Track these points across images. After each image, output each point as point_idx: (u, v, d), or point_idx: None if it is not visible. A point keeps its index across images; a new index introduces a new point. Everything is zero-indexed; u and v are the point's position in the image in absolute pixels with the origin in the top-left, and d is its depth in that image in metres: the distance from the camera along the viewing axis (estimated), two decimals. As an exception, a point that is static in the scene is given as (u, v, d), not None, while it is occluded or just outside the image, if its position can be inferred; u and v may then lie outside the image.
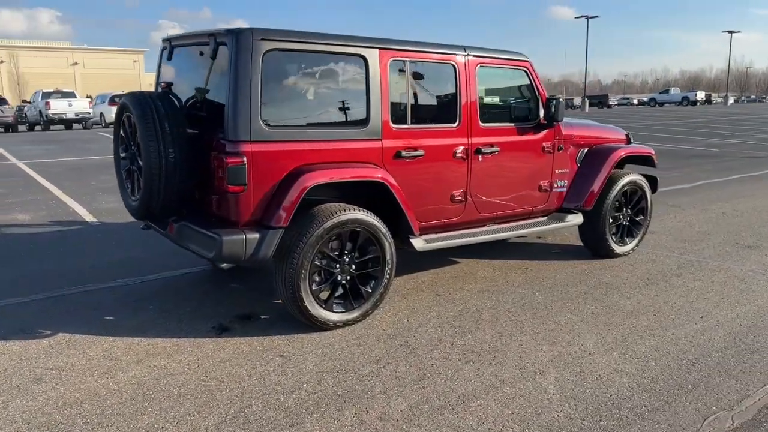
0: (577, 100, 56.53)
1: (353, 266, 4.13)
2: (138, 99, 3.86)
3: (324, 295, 4.10)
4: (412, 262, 5.52)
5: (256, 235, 3.74)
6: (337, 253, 4.07)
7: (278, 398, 3.23)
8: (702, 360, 3.72)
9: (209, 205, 3.93)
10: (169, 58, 4.56)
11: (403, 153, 4.32)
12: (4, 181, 10.85)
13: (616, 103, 68.03)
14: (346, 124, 4.17)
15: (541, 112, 5.16)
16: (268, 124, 3.77)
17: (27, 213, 7.95)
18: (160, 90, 4.24)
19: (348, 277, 4.13)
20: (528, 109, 5.16)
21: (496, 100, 5.46)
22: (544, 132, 5.23)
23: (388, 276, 4.25)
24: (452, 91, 4.63)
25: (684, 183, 10.49)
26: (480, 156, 4.76)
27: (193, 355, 3.72)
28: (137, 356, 3.69)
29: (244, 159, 3.66)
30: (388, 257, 4.22)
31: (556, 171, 5.41)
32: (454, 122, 4.63)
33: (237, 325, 4.17)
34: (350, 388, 3.34)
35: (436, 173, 4.56)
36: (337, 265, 4.07)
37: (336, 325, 4.07)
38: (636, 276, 5.35)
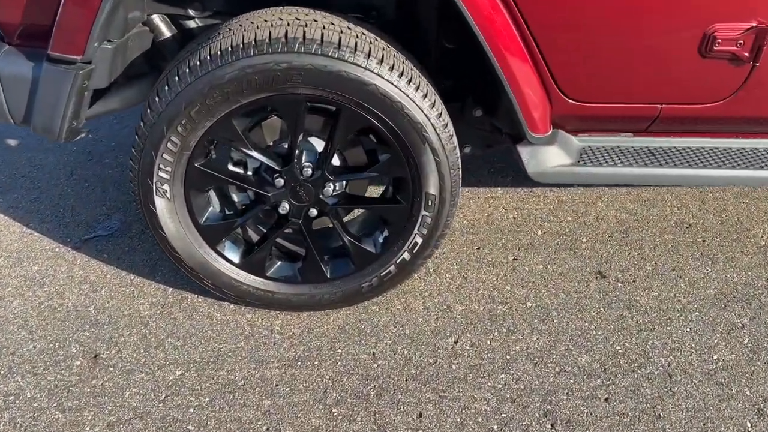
0: None
1: (332, 187, 1.62)
2: None
3: (254, 237, 1.75)
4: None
5: (20, 72, 1.46)
6: (283, 149, 1.59)
7: None
8: None
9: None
10: None
11: None
12: None
13: None
14: None
15: None
16: None
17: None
18: None
19: (315, 213, 1.65)
20: None
21: None
22: None
23: (427, 226, 1.63)
24: None
25: None
26: None
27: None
28: None
29: None
30: (430, 188, 1.56)
31: None
32: None
33: (110, 237, 2.13)
34: None
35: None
36: (279, 178, 1.59)
37: (270, 302, 1.76)
38: None
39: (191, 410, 1.52)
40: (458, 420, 1.52)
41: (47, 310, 1.79)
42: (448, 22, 1.61)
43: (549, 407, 1.56)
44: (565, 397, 1.59)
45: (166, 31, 1.68)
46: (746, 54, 1.54)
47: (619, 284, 1.97)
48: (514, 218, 2.26)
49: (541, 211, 2.29)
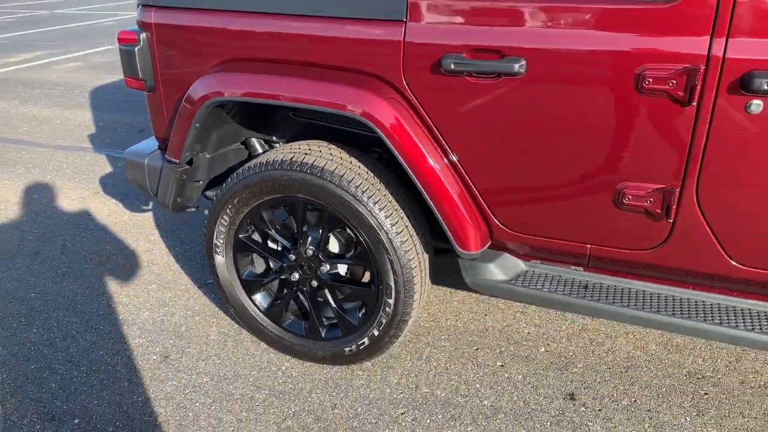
0: None
1: (327, 267, 2.19)
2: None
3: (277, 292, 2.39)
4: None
5: (155, 165, 2.37)
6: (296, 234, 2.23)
7: None
8: None
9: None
10: None
11: (453, 63, 1.78)
12: None
13: None
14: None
15: None
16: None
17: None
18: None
19: (316, 284, 2.24)
20: None
21: None
22: None
23: (389, 311, 2.09)
24: None
25: None
26: (754, 102, 1.54)
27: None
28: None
29: (142, 36, 2.22)
30: (389, 279, 2.04)
31: None
32: (662, -9, 1.57)
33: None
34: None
35: (568, 125, 1.75)
36: (292, 254, 2.23)
37: (282, 347, 2.35)
38: None
39: (187, 391, 2.17)
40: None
41: (161, 320, 2.64)
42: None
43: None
44: (456, 478, 1.84)
45: (259, 148, 2.48)
46: (658, 211, 1.72)
47: (582, 409, 2.10)
48: (528, 333, 2.50)
49: (559, 333, 2.49)
